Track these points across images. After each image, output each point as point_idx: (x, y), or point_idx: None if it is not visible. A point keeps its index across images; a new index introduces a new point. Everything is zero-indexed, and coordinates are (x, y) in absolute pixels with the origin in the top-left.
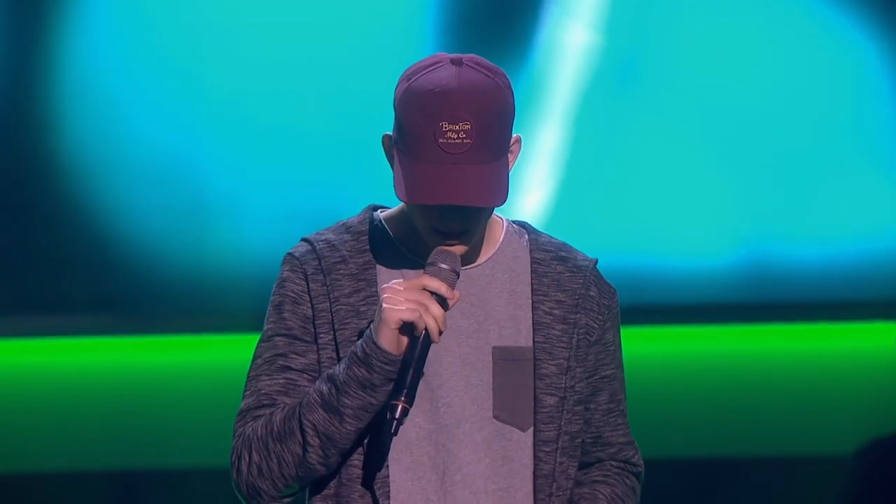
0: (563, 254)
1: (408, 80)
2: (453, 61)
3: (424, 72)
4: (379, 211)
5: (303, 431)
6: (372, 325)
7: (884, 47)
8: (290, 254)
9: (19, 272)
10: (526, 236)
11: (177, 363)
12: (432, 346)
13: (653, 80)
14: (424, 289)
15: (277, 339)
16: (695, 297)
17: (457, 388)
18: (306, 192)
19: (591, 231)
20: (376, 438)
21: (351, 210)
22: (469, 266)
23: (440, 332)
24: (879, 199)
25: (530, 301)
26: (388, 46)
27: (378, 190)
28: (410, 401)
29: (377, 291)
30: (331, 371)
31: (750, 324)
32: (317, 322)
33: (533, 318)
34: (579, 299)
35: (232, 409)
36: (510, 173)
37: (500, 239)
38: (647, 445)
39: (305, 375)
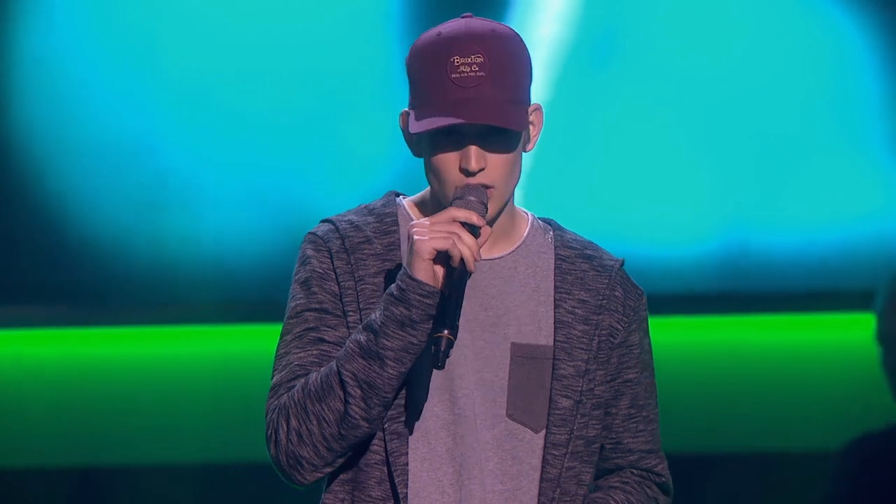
0: (588, 252)
1: (415, 42)
2: (462, 17)
3: (431, 29)
4: (401, 197)
5: (342, 383)
6: (405, 262)
7: (867, 28)
8: (311, 233)
9: None
10: (551, 232)
11: (136, 355)
12: None
13: (628, 65)
14: (454, 220)
15: (307, 313)
16: (671, 286)
17: (472, 382)
18: (270, 177)
19: (565, 219)
20: (396, 424)
21: (316, 195)
22: (491, 258)
23: (475, 261)
24: (862, 185)
25: (552, 298)
26: (354, 29)
27: (346, 173)
28: (454, 332)
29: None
30: (365, 321)
31: (729, 314)
32: (344, 300)
33: (555, 315)
34: (603, 300)
35: (193, 403)
36: (533, 150)
37: (525, 233)
38: None
39: (338, 348)
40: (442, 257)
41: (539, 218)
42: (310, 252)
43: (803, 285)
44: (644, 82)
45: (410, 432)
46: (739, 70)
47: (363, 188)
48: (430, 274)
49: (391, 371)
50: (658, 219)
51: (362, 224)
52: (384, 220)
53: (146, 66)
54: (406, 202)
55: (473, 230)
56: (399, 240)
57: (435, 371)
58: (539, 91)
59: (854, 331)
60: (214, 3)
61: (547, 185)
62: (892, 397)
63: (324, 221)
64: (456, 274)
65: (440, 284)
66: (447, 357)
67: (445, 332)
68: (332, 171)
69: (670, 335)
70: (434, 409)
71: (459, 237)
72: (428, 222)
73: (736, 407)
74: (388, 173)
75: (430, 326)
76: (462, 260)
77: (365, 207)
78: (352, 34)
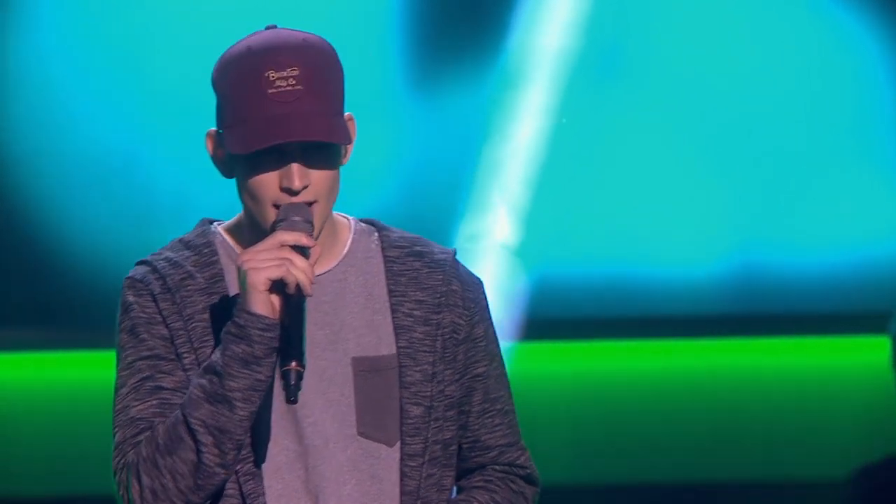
0: (418, 248)
1: (222, 58)
2: (267, 28)
3: (238, 43)
4: (215, 224)
5: (192, 432)
6: (239, 297)
7: (884, 39)
8: (129, 278)
9: None
10: (376, 234)
11: None
12: None
13: (635, 78)
14: (282, 245)
15: (140, 362)
16: (680, 308)
17: (318, 406)
18: None
19: (570, 239)
20: (248, 464)
21: None
22: (318, 273)
23: (311, 284)
24: (878, 202)
25: (388, 304)
26: (352, 44)
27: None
28: (302, 363)
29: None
30: (205, 364)
31: (739, 337)
32: (176, 342)
33: (393, 322)
34: (441, 297)
35: None
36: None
37: (349, 240)
38: (627, 468)
39: (179, 393)
40: (277, 286)
41: (361, 220)
42: (131, 298)
43: (816, 307)
44: (650, 97)
45: (265, 470)
46: (750, 84)
47: (356, 201)
48: (267, 306)
49: (241, 412)
50: (665, 238)
51: (180, 259)
52: (202, 251)
53: (131, 76)
54: (221, 228)
55: (304, 252)
56: (222, 270)
57: (282, 402)
58: (543, 104)
59: (869, 355)
60: (202, 12)
61: (550, 202)
62: None
63: (139, 263)
64: (293, 301)
65: (278, 315)
66: (299, 389)
67: (293, 363)
68: None
69: (678, 359)
70: (283, 442)
71: (292, 262)
72: (256, 251)
73: (745, 434)
74: (385, 185)
75: (274, 360)
76: (298, 285)
77: (179, 241)
78: (346, 41)
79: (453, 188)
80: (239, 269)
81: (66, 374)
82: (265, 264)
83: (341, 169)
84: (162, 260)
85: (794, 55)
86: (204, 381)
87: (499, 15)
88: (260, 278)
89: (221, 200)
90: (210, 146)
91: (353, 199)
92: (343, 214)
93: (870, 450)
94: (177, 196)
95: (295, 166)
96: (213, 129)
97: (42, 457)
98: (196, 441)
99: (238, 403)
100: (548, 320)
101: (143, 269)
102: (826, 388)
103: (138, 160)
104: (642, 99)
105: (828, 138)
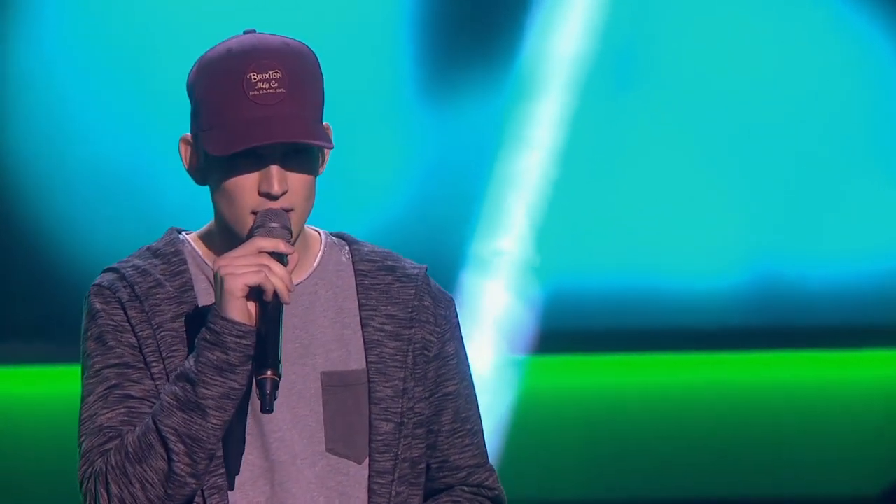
0: (390, 263)
1: (200, 60)
2: (246, 32)
3: (217, 46)
4: (184, 233)
5: (164, 441)
6: (215, 303)
7: None
8: (96, 285)
9: None
10: (347, 247)
11: None
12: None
13: (651, 86)
14: (260, 251)
15: (107, 370)
16: (696, 321)
17: (286, 421)
18: None
19: (585, 250)
20: (214, 478)
21: (319, 218)
22: None
23: (289, 292)
24: None
25: (359, 318)
26: (364, 52)
27: (350, 196)
28: (278, 371)
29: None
30: (178, 371)
31: (758, 350)
32: (144, 351)
33: (363, 336)
34: (413, 312)
35: None
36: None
37: (320, 253)
38: (640, 483)
39: (147, 402)
40: (254, 293)
41: (331, 233)
42: (98, 305)
43: (839, 320)
44: (666, 106)
45: (230, 485)
46: (767, 93)
47: (367, 211)
48: (244, 312)
49: (214, 421)
50: (682, 248)
51: (149, 268)
52: (171, 260)
53: (142, 85)
54: (190, 238)
55: (281, 259)
56: (191, 279)
57: (249, 416)
58: (557, 113)
59: (892, 369)
60: (209, 21)
61: (566, 213)
62: None
63: (106, 271)
64: (270, 308)
65: (254, 322)
66: (275, 399)
67: (269, 372)
68: (336, 193)
69: (695, 372)
70: (248, 457)
71: (270, 269)
72: (233, 257)
73: (764, 449)
74: (396, 195)
75: (249, 368)
76: (276, 293)
77: (147, 249)
78: (358, 48)
79: (466, 198)
80: (215, 274)
81: (70, 388)
82: (243, 270)
83: (352, 178)
84: (130, 267)
85: (813, 63)
86: (177, 389)
87: (512, 22)
88: (237, 284)
89: None
90: (184, 151)
91: (363, 209)
92: (314, 227)
93: (894, 465)
94: (185, 208)
95: (275, 169)
96: (188, 133)
97: (45, 472)
98: (167, 449)
99: (211, 412)
100: (563, 333)
101: (110, 276)
102: (848, 403)
103: (143, 170)
104: (657, 108)
105: (847, 148)
